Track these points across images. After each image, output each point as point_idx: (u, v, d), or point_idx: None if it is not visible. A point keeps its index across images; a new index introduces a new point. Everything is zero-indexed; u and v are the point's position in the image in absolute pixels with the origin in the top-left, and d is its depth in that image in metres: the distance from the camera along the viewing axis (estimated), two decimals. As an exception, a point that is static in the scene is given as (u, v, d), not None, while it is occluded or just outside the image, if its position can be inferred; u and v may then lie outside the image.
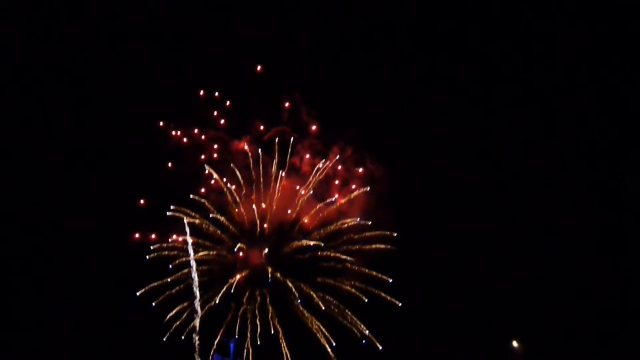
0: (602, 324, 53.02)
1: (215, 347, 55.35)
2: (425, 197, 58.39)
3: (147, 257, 57.34)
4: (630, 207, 55.63)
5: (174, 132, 60.62)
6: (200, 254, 57.64)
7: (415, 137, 59.60)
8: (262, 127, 60.68)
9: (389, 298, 55.30)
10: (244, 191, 59.04)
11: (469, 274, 56.30)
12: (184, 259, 56.65)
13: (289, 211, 58.78)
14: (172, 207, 57.65)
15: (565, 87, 58.93)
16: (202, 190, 59.44)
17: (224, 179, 59.01)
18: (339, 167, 59.16)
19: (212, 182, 59.21)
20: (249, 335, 55.61)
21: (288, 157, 59.27)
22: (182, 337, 55.40)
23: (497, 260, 56.23)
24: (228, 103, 61.03)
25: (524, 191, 58.44)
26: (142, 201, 59.33)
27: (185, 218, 56.18)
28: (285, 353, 55.35)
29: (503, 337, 53.18)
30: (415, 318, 55.10)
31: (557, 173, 58.35)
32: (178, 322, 55.76)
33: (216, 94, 61.17)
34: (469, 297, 55.72)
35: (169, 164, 60.12)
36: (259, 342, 55.38)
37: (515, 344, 52.51)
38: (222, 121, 61.15)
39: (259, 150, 59.51)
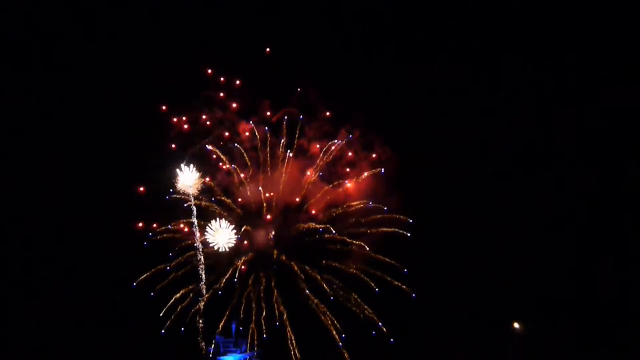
0: (601, 306, 55.12)
1: (220, 329, 54.48)
2: (432, 181, 59.15)
3: (145, 243, 55.89)
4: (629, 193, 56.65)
5: (175, 120, 58.78)
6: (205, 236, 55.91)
7: (422, 121, 60.16)
8: (269, 112, 59.77)
9: (395, 282, 55.58)
10: (250, 172, 58.19)
11: (473, 259, 57.59)
12: (189, 241, 55.53)
13: (297, 197, 58.29)
14: (171, 190, 55.90)
15: (565, 86, 60.26)
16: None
17: (229, 162, 58.12)
18: (348, 152, 58.94)
19: (220, 164, 58.23)
20: (253, 317, 55.05)
21: (296, 138, 58.67)
22: (186, 322, 54.71)
23: (499, 246, 57.76)
24: (238, 82, 59.78)
25: (525, 188, 59.83)
26: (141, 188, 57.33)
27: (191, 199, 54.65)
28: (290, 335, 54.90)
29: (505, 319, 54.52)
30: (420, 301, 55.92)
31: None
32: (185, 303, 54.86)
33: (222, 79, 59.74)
34: (472, 281, 57.01)
35: (173, 146, 58.48)
36: (263, 324, 54.97)
37: (516, 325, 53.83)
38: (229, 103, 59.93)
39: (266, 129, 58.64)
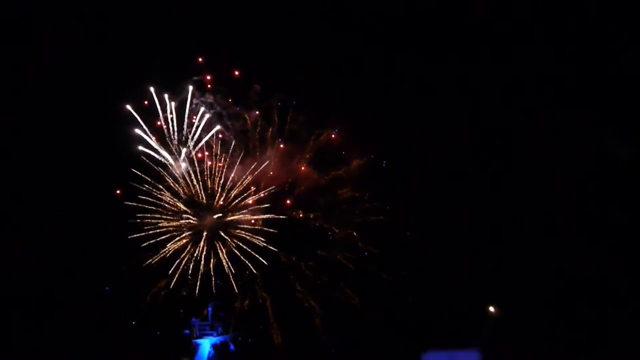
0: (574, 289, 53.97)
1: (204, 314, 54.46)
2: (420, 171, 58.08)
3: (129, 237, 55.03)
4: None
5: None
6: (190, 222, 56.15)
7: (415, 110, 58.99)
8: (259, 97, 59.16)
9: (384, 275, 54.95)
10: (239, 158, 57.40)
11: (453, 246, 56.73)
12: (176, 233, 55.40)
13: (285, 183, 57.71)
14: (148, 179, 55.74)
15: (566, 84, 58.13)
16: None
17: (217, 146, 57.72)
18: (339, 140, 58.28)
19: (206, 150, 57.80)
20: (237, 303, 54.71)
21: (287, 124, 58.01)
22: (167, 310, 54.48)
23: (477, 231, 56.92)
24: (236, 73, 59.23)
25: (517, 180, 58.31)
26: (118, 191, 56.41)
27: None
28: (272, 322, 54.62)
29: (480, 303, 53.84)
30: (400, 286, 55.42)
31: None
32: (166, 291, 54.76)
33: (208, 77, 59.01)
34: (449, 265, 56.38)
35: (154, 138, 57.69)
36: (245, 309, 54.72)
37: (491, 309, 53.21)
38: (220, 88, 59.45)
39: (256, 113, 58.02)
